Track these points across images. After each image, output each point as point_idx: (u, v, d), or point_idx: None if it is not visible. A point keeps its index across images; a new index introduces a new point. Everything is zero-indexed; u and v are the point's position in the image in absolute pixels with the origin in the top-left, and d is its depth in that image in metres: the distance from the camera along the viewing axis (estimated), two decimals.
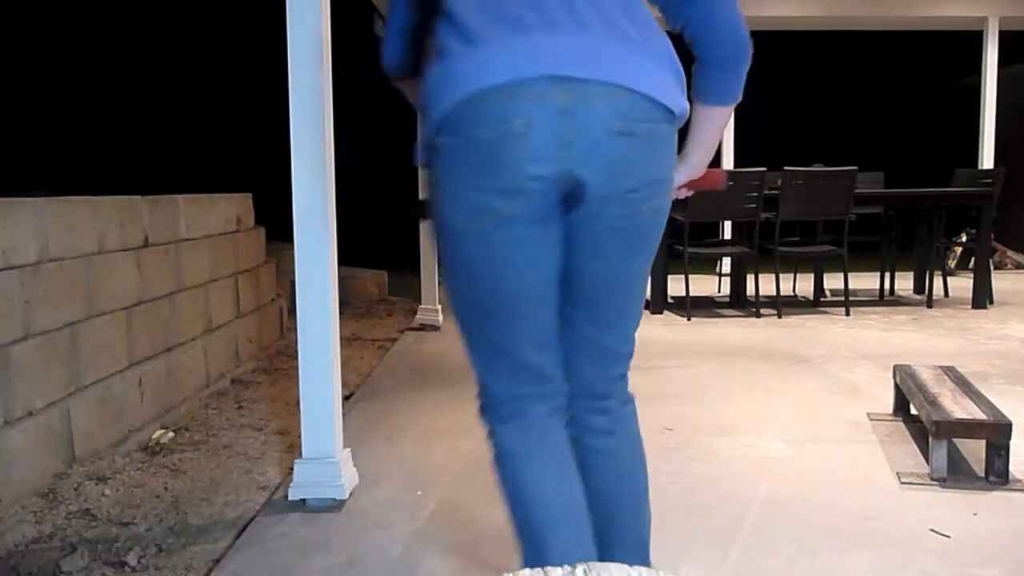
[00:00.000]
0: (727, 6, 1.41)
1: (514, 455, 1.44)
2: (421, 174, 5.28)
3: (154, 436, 3.26)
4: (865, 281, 7.26)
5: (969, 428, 2.62)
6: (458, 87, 1.26)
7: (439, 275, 1.45)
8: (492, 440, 1.47)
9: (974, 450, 2.83)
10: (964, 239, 7.34)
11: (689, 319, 5.71)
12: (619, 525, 1.48)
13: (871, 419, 3.33)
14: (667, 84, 1.32)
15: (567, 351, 1.46)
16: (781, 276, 5.91)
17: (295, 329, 2.53)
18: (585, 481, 1.41)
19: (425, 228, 5.43)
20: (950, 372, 3.20)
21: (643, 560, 1.52)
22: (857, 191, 5.75)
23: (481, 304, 1.38)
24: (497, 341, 1.40)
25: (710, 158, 1.56)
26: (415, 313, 5.57)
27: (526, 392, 1.43)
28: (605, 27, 1.27)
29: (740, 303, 6.31)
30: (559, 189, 1.28)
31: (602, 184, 1.28)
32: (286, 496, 2.51)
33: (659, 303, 5.95)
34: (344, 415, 2.85)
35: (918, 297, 6.59)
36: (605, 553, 1.39)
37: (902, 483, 2.64)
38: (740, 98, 1.49)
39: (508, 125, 1.23)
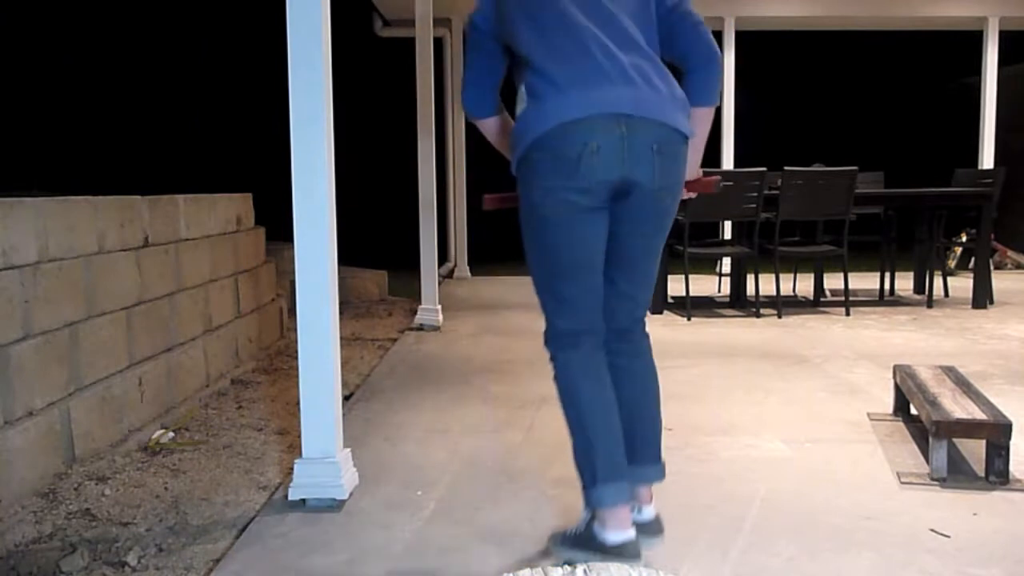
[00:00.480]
0: (703, 30, 2.06)
1: (573, 372, 2.00)
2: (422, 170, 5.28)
3: (154, 436, 3.26)
4: (865, 281, 7.26)
5: (969, 428, 2.62)
6: (550, 119, 1.88)
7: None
8: (555, 362, 2.04)
9: (974, 450, 2.83)
10: (964, 239, 7.34)
11: (689, 319, 5.71)
12: (641, 423, 2.06)
13: (871, 419, 3.33)
14: (684, 119, 1.97)
15: (607, 300, 2.05)
16: (781, 276, 5.91)
17: (295, 329, 2.53)
18: (616, 391, 2.01)
19: (424, 225, 5.43)
20: (950, 372, 3.20)
21: (657, 450, 2.10)
22: (857, 191, 5.75)
23: (559, 267, 1.97)
24: (566, 294, 1.99)
25: (701, 156, 2.15)
26: (415, 313, 5.57)
27: (582, 329, 2.01)
28: (645, 83, 1.92)
29: (740, 303, 6.31)
30: (614, 188, 1.92)
31: (646, 183, 1.93)
32: (286, 496, 2.51)
33: (659, 303, 5.95)
34: (344, 415, 2.85)
35: (918, 297, 6.59)
36: (629, 443, 1.99)
37: (902, 483, 2.64)
38: (718, 100, 2.11)
39: (586, 147, 1.86)
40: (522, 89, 1.96)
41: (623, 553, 1.91)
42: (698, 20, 2.06)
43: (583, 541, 1.98)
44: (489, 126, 2.17)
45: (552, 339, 2.05)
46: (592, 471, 1.94)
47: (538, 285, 2.04)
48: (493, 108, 2.14)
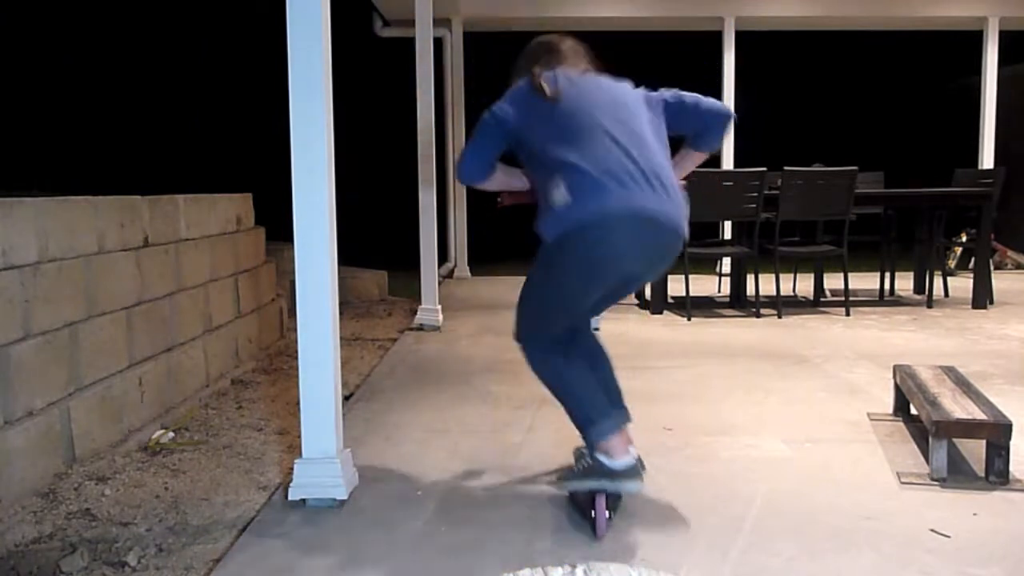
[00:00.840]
0: (707, 101, 2.50)
1: (552, 360, 2.42)
2: (421, 171, 5.28)
3: (154, 436, 3.26)
4: (865, 281, 7.26)
5: (969, 428, 2.62)
6: (593, 213, 2.23)
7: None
8: (527, 353, 2.45)
9: (974, 450, 2.83)
10: (964, 239, 7.34)
11: (689, 319, 5.71)
12: (603, 379, 2.53)
13: (871, 419, 3.33)
14: (686, 226, 2.39)
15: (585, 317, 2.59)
16: (781, 276, 5.91)
17: (295, 329, 2.53)
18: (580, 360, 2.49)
19: (427, 225, 5.43)
20: (950, 372, 3.20)
21: (620, 397, 2.55)
22: (857, 191, 5.75)
23: (554, 311, 2.42)
24: (551, 325, 2.43)
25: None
26: (415, 313, 5.57)
27: (556, 338, 2.44)
28: (661, 189, 2.29)
29: (740, 303, 6.31)
30: (626, 278, 2.43)
31: (648, 277, 2.67)
32: (286, 496, 2.51)
33: (659, 303, 5.95)
34: (344, 415, 2.85)
35: (918, 297, 6.59)
36: (608, 397, 2.46)
37: (902, 483, 2.64)
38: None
39: (616, 248, 2.28)
40: (562, 185, 2.26)
41: (629, 475, 2.30)
42: (697, 98, 2.50)
43: (593, 471, 2.31)
44: (489, 183, 2.53)
45: (527, 340, 2.46)
46: (588, 416, 2.37)
47: (528, 308, 2.46)
48: (488, 175, 2.49)
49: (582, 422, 2.39)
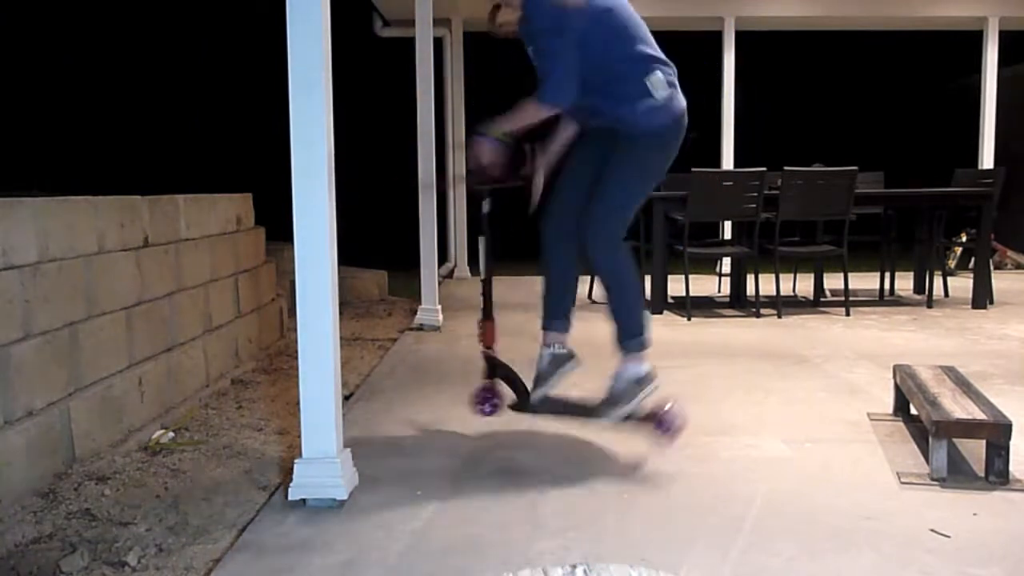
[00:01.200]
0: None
1: (630, 259, 2.86)
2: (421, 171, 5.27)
3: (154, 436, 3.26)
4: (865, 281, 7.26)
5: (969, 428, 2.62)
6: (681, 100, 2.79)
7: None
8: (621, 251, 2.81)
9: (974, 450, 2.83)
10: (964, 239, 7.34)
11: (689, 319, 5.71)
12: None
13: (871, 419, 3.33)
14: None
15: None
16: (781, 276, 5.91)
17: (295, 329, 2.53)
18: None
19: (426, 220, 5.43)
20: (950, 372, 3.20)
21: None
22: (857, 191, 5.75)
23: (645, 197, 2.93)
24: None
25: None
26: (415, 313, 5.57)
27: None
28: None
29: (740, 303, 6.31)
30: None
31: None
32: (286, 496, 2.50)
33: (659, 303, 5.95)
34: (344, 415, 2.85)
35: (918, 297, 6.59)
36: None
37: (902, 483, 2.64)
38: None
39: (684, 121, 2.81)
40: (659, 76, 2.73)
41: (654, 376, 2.86)
42: None
43: (633, 388, 2.80)
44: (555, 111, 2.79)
45: (620, 242, 2.80)
46: (641, 327, 2.85)
47: (627, 209, 2.81)
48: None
49: (635, 331, 2.86)
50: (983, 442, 2.66)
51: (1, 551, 2.29)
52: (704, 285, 7.27)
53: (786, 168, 5.75)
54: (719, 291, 7.12)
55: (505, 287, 7.63)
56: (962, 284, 6.88)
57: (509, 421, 3.36)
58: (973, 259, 6.31)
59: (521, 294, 7.09)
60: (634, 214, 2.85)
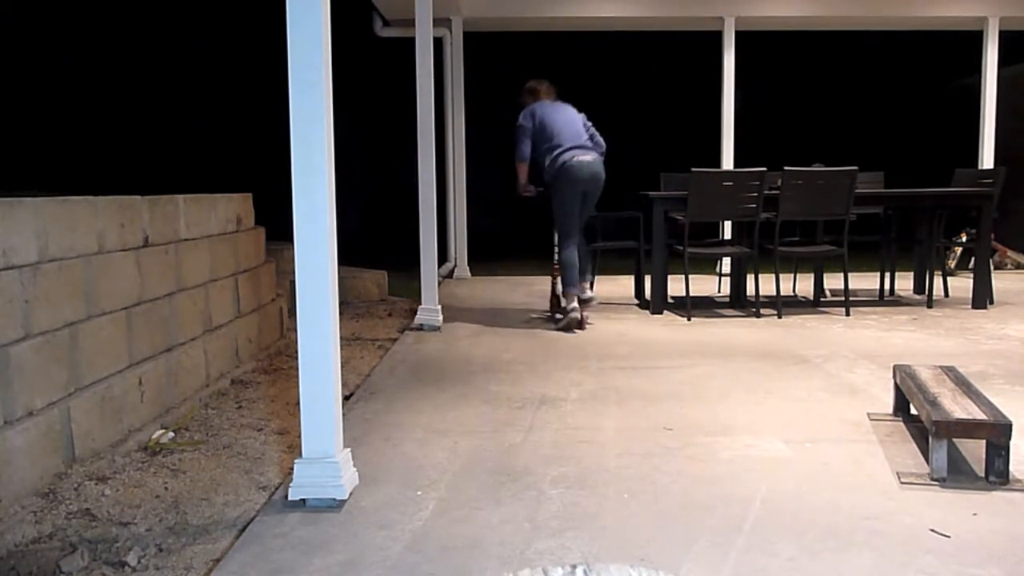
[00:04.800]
0: (598, 137, 5.61)
1: (570, 250, 5.37)
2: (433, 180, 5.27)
3: (154, 436, 3.26)
4: (865, 281, 7.26)
5: (969, 428, 2.62)
6: (561, 160, 5.37)
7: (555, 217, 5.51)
8: (563, 247, 5.43)
9: (974, 450, 2.83)
10: (964, 239, 7.33)
11: (689, 319, 5.71)
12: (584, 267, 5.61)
13: (871, 419, 3.33)
14: (602, 165, 5.48)
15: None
16: (781, 276, 5.91)
17: (295, 329, 2.53)
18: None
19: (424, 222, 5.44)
20: (950, 372, 3.20)
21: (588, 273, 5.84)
22: (857, 191, 5.75)
23: (570, 216, 5.41)
24: (572, 225, 5.42)
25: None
26: (415, 313, 5.57)
27: (573, 235, 5.42)
28: (589, 149, 5.44)
29: (740, 303, 6.31)
30: (583, 191, 5.42)
31: (592, 191, 5.47)
32: (286, 496, 2.51)
33: (659, 303, 5.95)
34: (344, 415, 2.85)
35: (918, 297, 6.59)
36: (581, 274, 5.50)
37: (902, 483, 2.64)
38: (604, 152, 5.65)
39: (579, 175, 5.35)
40: (552, 153, 5.36)
41: (575, 307, 5.34)
42: (593, 131, 5.49)
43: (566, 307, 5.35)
44: (524, 167, 5.52)
45: (563, 237, 5.41)
46: (573, 281, 5.35)
47: (561, 222, 5.43)
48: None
49: (571, 284, 5.37)
50: (983, 442, 2.66)
51: (1, 551, 2.29)
52: (704, 285, 7.26)
53: (786, 168, 5.75)
54: (719, 291, 7.12)
55: (505, 287, 7.63)
56: (962, 284, 6.88)
57: (509, 421, 3.36)
58: (973, 259, 6.30)
59: (521, 294, 7.09)
60: (566, 226, 5.40)
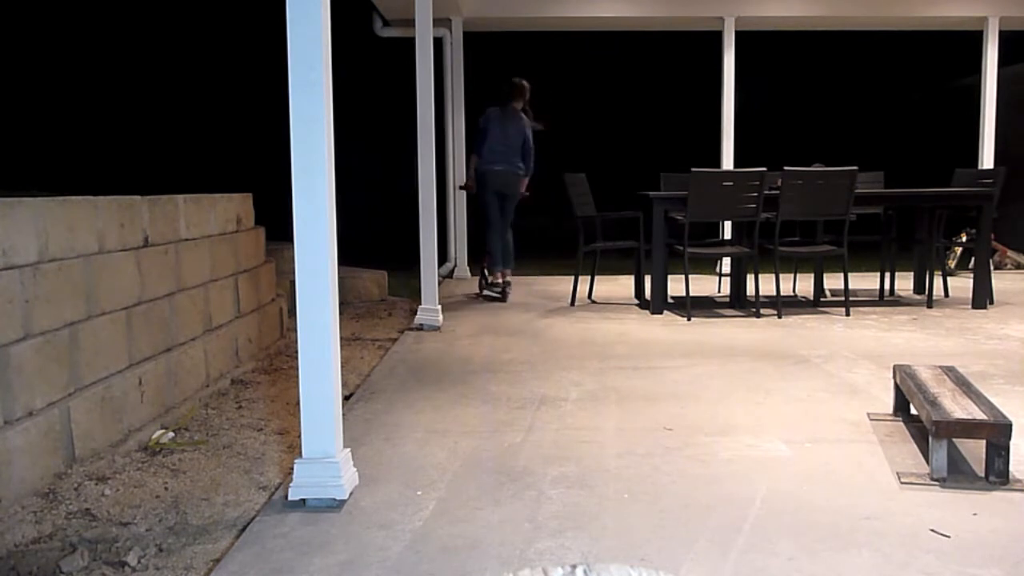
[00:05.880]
0: (532, 154, 6.87)
1: (495, 239, 6.81)
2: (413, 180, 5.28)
3: (154, 436, 3.26)
4: (865, 281, 7.26)
5: (969, 428, 2.62)
6: (486, 166, 6.72)
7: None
8: (488, 236, 6.82)
9: (974, 450, 2.83)
10: (964, 239, 7.33)
11: (689, 319, 5.71)
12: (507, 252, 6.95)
13: (871, 419, 3.33)
14: (521, 171, 6.79)
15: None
16: (781, 276, 5.91)
17: (295, 329, 2.53)
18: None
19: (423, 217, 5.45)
20: (950, 372, 3.20)
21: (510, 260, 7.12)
22: (857, 191, 5.75)
23: (492, 214, 6.77)
24: (494, 217, 6.79)
25: (527, 182, 6.88)
26: (415, 313, 5.57)
27: (497, 228, 6.81)
28: (511, 161, 6.71)
29: (740, 303, 6.31)
30: (500, 193, 6.75)
31: (509, 193, 6.78)
32: (286, 496, 2.51)
33: (659, 303, 5.95)
34: (344, 415, 2.85)
35: (918, 297, 6.59)
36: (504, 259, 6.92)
37: (902, 483, 2.64)
38: (531, 173, 6.92)
39: (497, 180, 6.70)
40: (479, 159, 6.71)
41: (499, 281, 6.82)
42: (530, 148, 6.70)
43: (493, 284, 6.85)
44: (474, 159, 6.77)
45: (488, 228, 6.76)
46: (496, 263, 6.79)
47: (481, 216, 6.77)
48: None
49: (495, 263, 6.76)
50: (983, 442, 2.66)
51: (1, 551, 2.29)
52: (704, 285, 7.27)
53: (786, 168, 5.75)
54: (719, 291, 7.12)
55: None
56: (962, 284, 6.88)
57: (509, 421, 3.36)
58: (973, 259, 6.30)
59: (521, 294, 7.09)
60: (486, 219, 6.71)
